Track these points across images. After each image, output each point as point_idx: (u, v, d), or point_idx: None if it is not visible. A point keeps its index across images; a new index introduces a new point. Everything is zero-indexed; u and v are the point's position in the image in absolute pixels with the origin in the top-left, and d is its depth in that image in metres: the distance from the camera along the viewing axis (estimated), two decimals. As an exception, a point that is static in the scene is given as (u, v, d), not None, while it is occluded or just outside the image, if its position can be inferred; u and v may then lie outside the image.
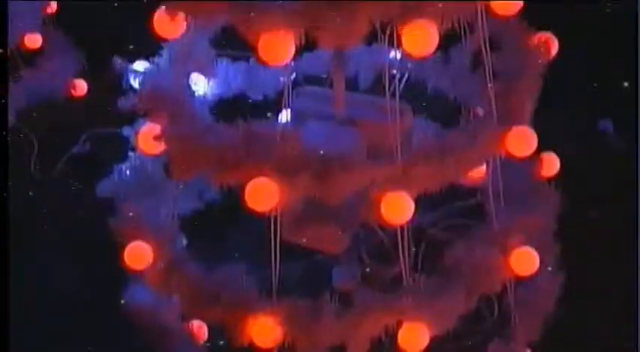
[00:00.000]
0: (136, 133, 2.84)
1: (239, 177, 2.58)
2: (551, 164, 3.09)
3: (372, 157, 2.66)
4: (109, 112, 3.22)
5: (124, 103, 2.89)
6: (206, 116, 2.87)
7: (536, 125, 2.87)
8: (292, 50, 2.44)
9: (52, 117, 4.29)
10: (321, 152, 2.59)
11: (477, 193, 3.12)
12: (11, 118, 4.18)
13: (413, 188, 2.59)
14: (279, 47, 2.42)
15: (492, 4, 2.61)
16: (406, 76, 2.96)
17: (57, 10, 4.37)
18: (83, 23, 4.45)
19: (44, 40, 4.32)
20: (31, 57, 4.32)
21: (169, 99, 2.77)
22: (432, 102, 3.19)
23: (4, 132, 3.27)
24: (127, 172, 3.07)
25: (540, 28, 2.95)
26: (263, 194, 2.53)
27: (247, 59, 3.12)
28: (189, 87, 2.88)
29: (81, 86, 4.35)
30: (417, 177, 2.58)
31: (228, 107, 3.13)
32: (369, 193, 2.60)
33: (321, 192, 2.56)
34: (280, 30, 2.39)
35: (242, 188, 2.58)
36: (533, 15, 2.89)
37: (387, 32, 2.48)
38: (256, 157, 2.56)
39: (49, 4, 4.35)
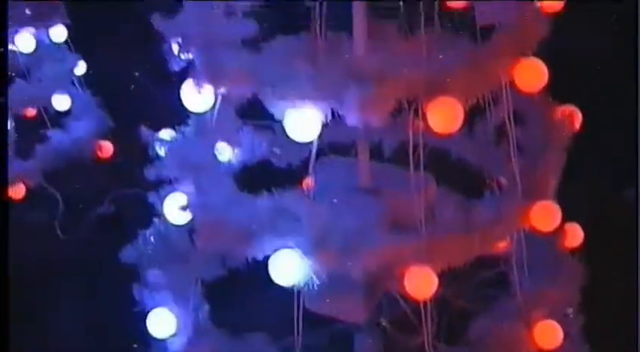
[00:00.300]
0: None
1: (263, 249, 2.59)
2: (575, 235, 3.08)
3: (396, 229, 2.67)
4: (135, 176, 3.23)
5: (150, 172, 2.90)
6: (231, 185, 2.88)
7: (559, 195, 2.89)
8: (319, 126, 2.47)
9: (77, 178, 4.33)
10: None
11: (500, 263, 3.11)
12: (37, 178, 4.26)
13: (437, 263, 2.59)
14: (305, 123, 2.45)
15: (517, 80, 2.62)
16: (430, 146, 2.97)
17: (86, 71, 4.45)
18: (111, 85, 4.52)
19: (72, 101, 4.38)
20: (59, 117, 4.39)
21: (195, 169, 2.80)
22: (456, 171, 3.19)
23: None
24: (152, 238, 3.07)
25: (564, 101, 2.97)
26: (288, 267, 2.54)
27: (272, 127, 3.14)
28: (214, 156, 2.90)
29: (107, 148, 4.41)
30: (441, 252, 2.59)
31: (252, 174, 3.15)
32: (392, 266, 2.60)
33: (345, 265, 2.57)
34: (308, 105, 2.42)
35: (266, 259, 2.60)
36: (557, 88, 2.91)
37: (413, 107, 2.50)
38: (280, 229, 2.57)
39: (77, 65, 4.43)
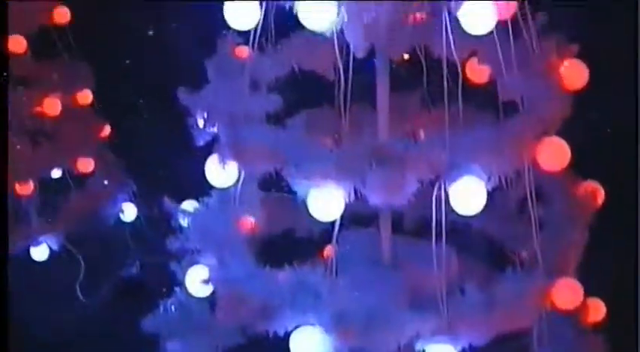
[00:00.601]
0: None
1: (284, 324, 2.60)
2: (597, 310, 3.06)
3: (417, 306, 2.66)
4: (157, 241, 3.24)
5: (172, 243, 2.91)
6: (252, 258, 2.88)
7: (581, 269, 2.88)
8: (342, 206, 2.48)
9: (100, 241, 4.36)
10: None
11: (521, 337, 3.09)
12: (60, 239, 4.29)
13: (458, 341, 2.58)
14: (328, 203, 2.47)
15: (539, 159, 2.63)
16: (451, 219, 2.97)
17: (110, 134, 4.49)
18: (136, 149, 4.56)
19: (96, 163, 4.43)
20: (83, 180, 4.43)
21: (217, 242, 2.81)
22: (478, 244, 3.19)
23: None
24: (173, 308, 3.07)
25: (587, 177, 2.98)
26: (308, 344, 2.54)
27: (294, 198, 3.15)
28: (236, 229, 2.90)
29: (130, 211, 4.43)
30: (462, 331, 2.58)
31: (274, 245, 3.15)
32: (413, 344, 2.59)
33: (366, 344, 2.56)
34: (331, 185, 2.43)
35: (287, 334, 2.60)
36: (580, 163, 2.91)
37: (436, 186, 2.51)
38: (301, 305, 2.58)
39: (102, 128, 4.48)
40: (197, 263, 2.87)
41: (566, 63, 2.76)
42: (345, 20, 2.42)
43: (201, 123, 2.73)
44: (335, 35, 2.49)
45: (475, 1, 2.43)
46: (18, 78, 4.25)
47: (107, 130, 4.48)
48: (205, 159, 2.76)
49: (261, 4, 2.58)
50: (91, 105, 4.41)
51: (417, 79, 3.12)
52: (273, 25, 2.70)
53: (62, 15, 4.30)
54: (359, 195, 2.49)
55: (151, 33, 4.89)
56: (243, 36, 2.81)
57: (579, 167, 2.92)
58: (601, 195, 2.96)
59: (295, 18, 2.49)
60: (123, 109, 4.75)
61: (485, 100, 2.99)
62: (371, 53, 2.75)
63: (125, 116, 4.69)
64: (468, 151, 2.49)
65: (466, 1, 2.44)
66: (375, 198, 2.47)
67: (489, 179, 2.50)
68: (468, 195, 2.47)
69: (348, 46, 2.54)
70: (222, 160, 2.66)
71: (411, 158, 2.43)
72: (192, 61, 3.00)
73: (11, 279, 3.42)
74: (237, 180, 2.75)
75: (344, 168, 2.45)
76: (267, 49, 2.80)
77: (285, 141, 2.57)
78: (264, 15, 2.63)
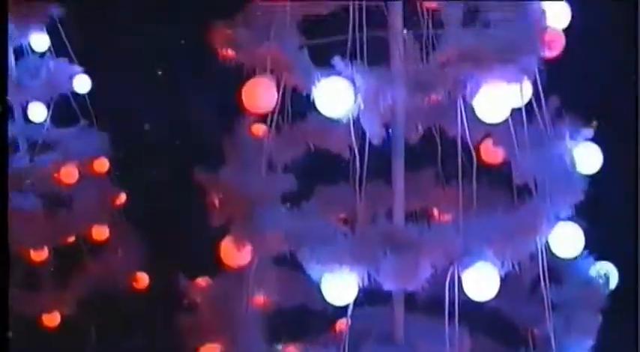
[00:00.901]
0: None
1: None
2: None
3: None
4: (169, 313, 3.25)
5: (184, 320, 2.91)
6: (265, 335, 2.89)
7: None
8: (355, 291, 2.49)
9: (112, 310, 4.35)
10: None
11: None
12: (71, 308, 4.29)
13: None
14: (342, 289, 2.48)
15: (552, 245, 2.64)
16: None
17: (126, 202, 4.51)
18: (151, 218, 4.57)
19: (111, 232, 4.44)
20: (97, 248, 4.43)
21: (228, 321, 2.81)
22: (490, 324, 3.18)
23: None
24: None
25: (600, 258, 2.98)
26: None
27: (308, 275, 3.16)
28: (249, 306, 2.91)
29: (143, 279, 4.43)
30: None
31: (287, 321, 3.15)
32: None
33: None
34: (345, 271, 2.44)
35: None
36: (593, 244, 2.91)
37: (449, 272, 2.52)
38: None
39: (118, 197, 4.50)
40: (208, 340, 2.87)
41: (580, 146, 2.79)
42: (362, 108, 2.45)
43: (216, 202, 2.75)
44: (351, 121, 2.51)
45: (489, 92, 2.45)
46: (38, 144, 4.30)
47: (123, 198, 4.50)
48: (221, 236, 2.77)
49: (277, 90, 2.61)
50: (107, 173, 4.43)
51: (431, 157, 3.14)
52: (290, 107, 2.74)
53: (82, 83, 4.34)
54: (372, 280, 2.50)
55: (169, 106, 4.94)
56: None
57: (592, 248, 2.92)
58: (614, 277, 2.96)
59: (312, 103, 2.52)
60: (139, 178, 4.77)
61: (499, 180, 3.00)
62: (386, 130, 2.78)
63: (141, 185, 4.70)
64: (481, 237, 2.49)
65: (480, 91, 2.46)
66: (389, 285, 2.48)
67: (503, 264, 2.50)
68: (481, 281, 2.47)
69: (364, 131, 2.56)
70: (237, 242, 2.68)
71: (424, 243, 2.44)
72: (211, 137, 3.03)
73: (21, 346, 3.42)
74: (252, 260, 2.77)
75: (358, 255, 2.46)
76: (284, 128, 2.83)
77: (300, 223, 2.59)
78: (281, 98, 2.66)
